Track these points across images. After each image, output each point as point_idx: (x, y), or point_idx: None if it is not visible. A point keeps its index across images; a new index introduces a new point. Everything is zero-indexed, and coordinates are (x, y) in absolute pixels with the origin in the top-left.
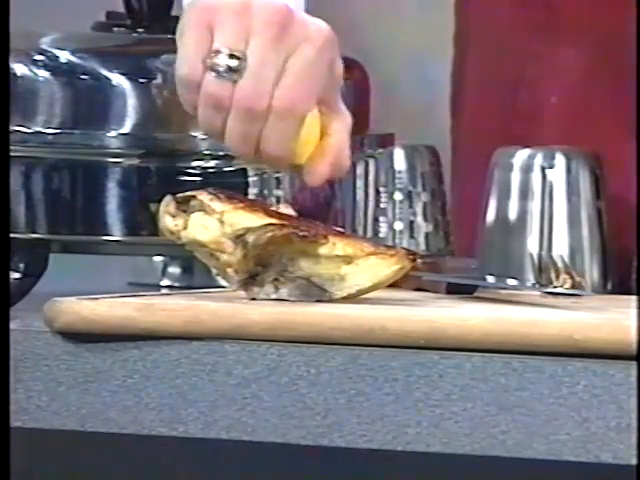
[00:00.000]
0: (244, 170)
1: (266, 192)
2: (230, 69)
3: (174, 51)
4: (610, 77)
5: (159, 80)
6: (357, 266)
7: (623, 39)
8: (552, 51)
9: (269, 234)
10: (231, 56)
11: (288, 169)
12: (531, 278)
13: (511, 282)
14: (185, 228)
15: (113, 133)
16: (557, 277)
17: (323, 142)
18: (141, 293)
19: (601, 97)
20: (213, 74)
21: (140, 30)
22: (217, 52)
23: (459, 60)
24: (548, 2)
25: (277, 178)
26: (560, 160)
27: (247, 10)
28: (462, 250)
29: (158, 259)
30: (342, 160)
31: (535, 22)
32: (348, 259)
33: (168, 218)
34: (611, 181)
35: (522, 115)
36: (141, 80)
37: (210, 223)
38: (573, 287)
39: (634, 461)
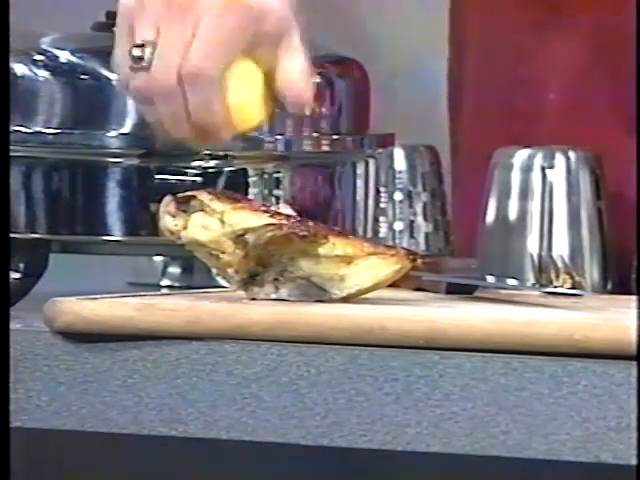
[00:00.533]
0: (244, 170)
1: (266, 192)
2: (141, 58)
3: None
4: (609, 76)
5: None
6: (357, 266)
7: (621, 37)
8: (550, 50)
9: (269, 234)
10: (141, 46)
11: (240, 137)
12: (531, 278)
13: (511, 282)
14: (185, 228)
15: (113, 133)
16: (557, 277)
17: (275, 86)
18: (141, 293)
19: (600, 96)
20: (133, 69)
21: None
22: (132, 47)
23: (455, 61)
24: (546, 1)
25: (277, 178)
26: (560, 160)
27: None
28: (462, 250)
29: (158, 259)
30: (300, 93)
31: (533, 21)
32: (348, 259)
33: (168, 218)
34: (611, 181)
35: (521, 114)
36: None
37: (210, 223)
38: (573, 287)
39: (634, 461)
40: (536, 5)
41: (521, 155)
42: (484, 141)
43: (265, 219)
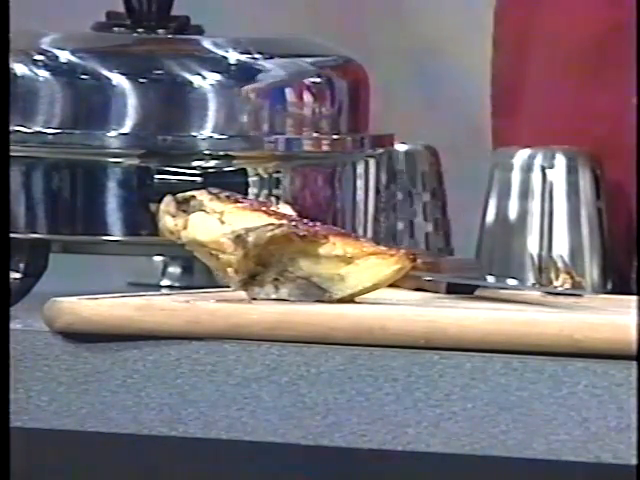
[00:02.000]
0: (244, 170)
1: (266, 192)
2: None
3: (174, 51)
4: (607, 75)
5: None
6: (357, 266)
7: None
8: (629, 52)
9: (269, 234)
10: None
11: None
12: (531, 278)
13: (511, 282)
14: (185, 228)
15: (113, 133)
16: (557, 277)
17: None
18: (141, 293)
19: (598, 95)
20: None
21: (140, 30)
22: None
23: (508, 61)
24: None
25: (277, 178)
26: (560, 160)
27: None
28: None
29: (158, 259)
30: None
31: (612, 22)
32: (348, 259)
33: (168, 218)
34: (611, 181)
35: (600, 117)
36: (141, 80)
37: (210, 223)
38: (573, 287)
39: (634, 461)
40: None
41: (521, 155)
42: (551, 142)
43: (265, 219)
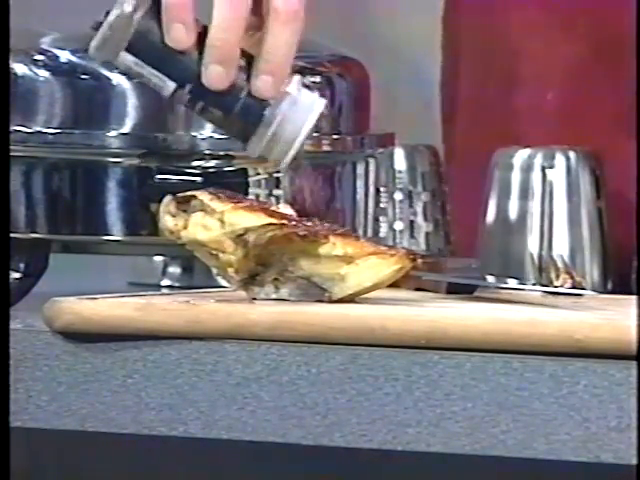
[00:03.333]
0: (244, 170)
1: (266, 192)
2: None
3: None
4: (607, 75)
5: None
6: (357, 266)
7: (620, 36)
8: (547, 50)
9: (269, 234)
10: None
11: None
12: (531, 278)
13: (511, 282)
14: (185, 228)
15: (113, 133)
16: (557, 277)
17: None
18: (141, 293)
19: (598, 96)
20: None
21: None
22: None
23: (450, 66)
24: (542, 1)
25: (277, 178)
26: (560, 160)
27: None
28: (462, 250)
29: (158, 259)
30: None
31: (529, 22)
32: (348, 259)
33: (168, 218)
34: (611, 181)
35: (519, 115)
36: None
37: (210, 223)
38: (573, 287)
39: (634, 461)
40: (531, 6)
41: (521, 155)
42: (482, 142)
43: (265, 219)
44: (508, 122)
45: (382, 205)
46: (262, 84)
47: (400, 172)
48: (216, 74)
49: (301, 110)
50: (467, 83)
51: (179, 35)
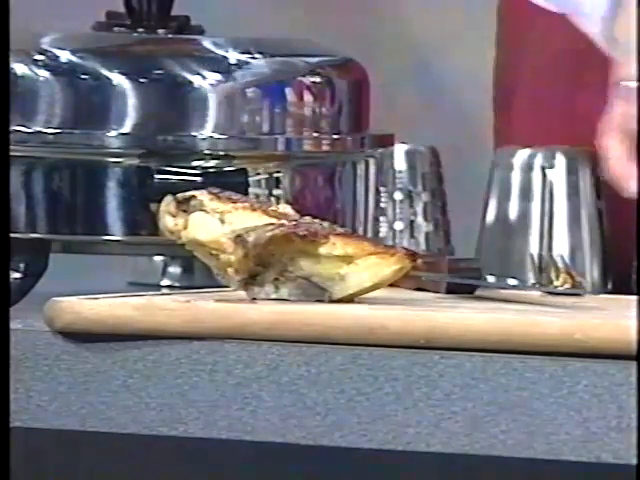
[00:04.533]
0: (244, 170)
1: (266, 192)
2: None
3: (174, 51)
4: None
5: (159, 80)
6: (357, 266)
7: None
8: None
9: (269, 234)
10: None
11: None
12: (531, 278)
13: (511, 282)
14: (185, 228)
15: (113, 133)
16: (557, 277)
17: None
18: (141, 293)
19: None
20: None
21: (140, 30)
22: None
23: (506, 61)
24: None
25: (277, 178)
26: (560, 160)
27: None
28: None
29: (158, 259)
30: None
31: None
32: (348, 259)
33: (168, 218)
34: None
35: (582, 117)
36: (141, 80)
37: (210, 223)
38: (573, 287)
39: (634, 461)
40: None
41: (521, 155)
42: (540, 141)
43: (265, 219)
44: (570, 123)
45: (382, 205)
46: None
47: (400, 172)
48: None
49: None
50: (528, 78)
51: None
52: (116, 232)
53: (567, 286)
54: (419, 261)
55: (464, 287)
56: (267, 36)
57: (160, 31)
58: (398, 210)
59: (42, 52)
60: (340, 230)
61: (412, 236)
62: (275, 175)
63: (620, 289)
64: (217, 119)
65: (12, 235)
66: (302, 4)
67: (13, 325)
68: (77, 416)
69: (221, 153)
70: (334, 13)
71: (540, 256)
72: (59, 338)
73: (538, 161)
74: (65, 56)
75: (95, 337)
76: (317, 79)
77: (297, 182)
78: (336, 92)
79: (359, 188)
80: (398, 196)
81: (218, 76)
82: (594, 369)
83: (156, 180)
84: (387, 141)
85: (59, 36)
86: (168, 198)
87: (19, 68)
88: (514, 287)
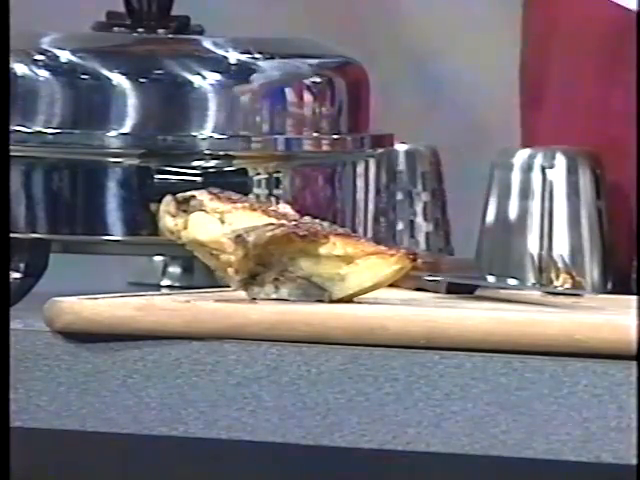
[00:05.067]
0: (244, 170)
1: (266, 192)
2: None
3: (174, 51)
4: None
5: (159, 80)
6: (357, 266)
7: None
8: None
9: (269, 234)
10: None
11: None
12: (531, 278)
13: (511, 282)
14: (185, 228)
15: (113, 133)
16: (557, 277)
17: None
18: (141, 293)
19: None
20: None
21: (140, 30)
22: None
23: (534, 56)
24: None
25: (277, 178)
26: (560, 160)
27: None
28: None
29: (158, 259)
30: None
31: (625, 21)
32: (348, 259)
33: (168, 218)
34: (611, 181)
35: (617, 114)
36: (141, 80)
37: (210, 223)
38: (573, 287)
39: (634, 461)
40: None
41: (521, 155)
42: (571, 137)
43: (265, 219)
44: (600, 121)
45: (382, 205)
46: None
47: (400, 172)
48: None
49: None
50: (558, 74)
51: None
52: (116, 232)
53: (567, 286)
54: (419, 261)
55: (464, 287)
56: (267, 36)
57: (160, 31)
58: (398, 210)
59: (42, 52)
60: (340, 230)
61: (412, 236)
62: (275, 175)
63: (620, 289)
64: (217, 119)
65: (12, 235)
66: (302, 4)
67: (13, 325)
68: (77, 416)
69: (221, 153)
70: (334, 13)
71: (540, 256)
72: (59, 338)
73: (538, 161)
74: (65, 56)
75: (95, 337)
76: (317, 79)
77: (297, 182)
78: (336, 92)
79: (359, 188)
80: (398, 196)
81: (218, 76)
82: (594, 369)
83: (156, 180)
84: (387, 141)
85: (59, 36)
86: (168, 198)
87: (19, 68)
88: (514, 287)
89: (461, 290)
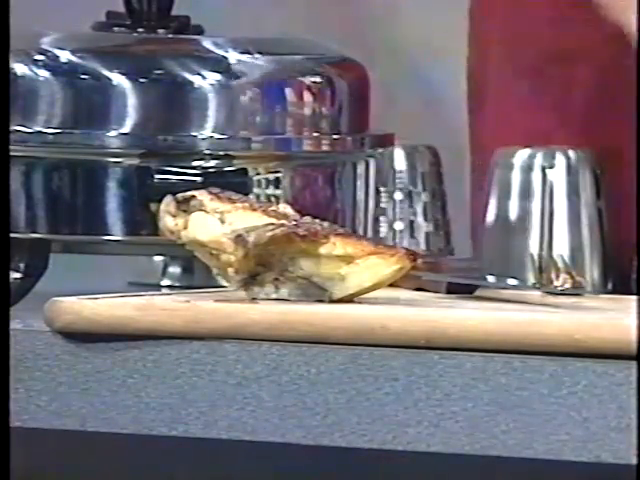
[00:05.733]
0: (244, 170)
1: (266, 192)
2: None
3: (174, 51)
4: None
5: (160, 80)
6: (357, 266)
7: None
8: (578, 44)
9: (269, 234)
10: None
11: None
12: (531, 278)
13: (511, 282)
14: (185, 228)
15: (113, 133)
16: (557, 277)
17: None
18: (141, 293)
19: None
20: None
21: (140, 30)
22: None
23: (477, 60)
24: None
25: (277, 178)
26: (560, 160)
27: None
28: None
29: (158, 259)
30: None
31: (559, 19)
32: (348, 259)
33: (168, 218)
34: (611, 181)
35: (548, 110)
36: (141, 80)
37: (210, 223)
38: (573, 287)
39: (634, 461)
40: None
41: (521, 155)
42: (509, 137)
43: (265, 219)
44: (535, 119)
45: (382, 205)
46: None
47: (400, 172)
48: None
49: None
50: (496, 76)
51: None
52: (116, 232)
53: (567, 286)
54: (419, 261)
55: (464, 287)
56: (267, 36)
57: (160, 31)
58: (398, 210)
59: (42, 52)
60: (340, 230)
61: (412, 236)
62: (275, 175)
63: (620, 289)
64: (217, 119)
65: (12, 235)
66: (302, 4)
67: (13, 325)
68: (77, 416)
69: (221, 153)
70: (334, 13)
71: (540, 256)
72: (59, 338)
73: (538, 161)
74: (65, 56)
75: (95, 337)
76: (317, 79)
77: (297, 182)
78: (336, 92)
79: (359, 188)
80: (398, 196)
81: (218, 76)
82: (594, 369)
83: (156, 180)
84: (387, 141)
85: (59, 36)
86: (168, 198)
87: (19, 68)
88: (514, 287)
89: (461, 290)
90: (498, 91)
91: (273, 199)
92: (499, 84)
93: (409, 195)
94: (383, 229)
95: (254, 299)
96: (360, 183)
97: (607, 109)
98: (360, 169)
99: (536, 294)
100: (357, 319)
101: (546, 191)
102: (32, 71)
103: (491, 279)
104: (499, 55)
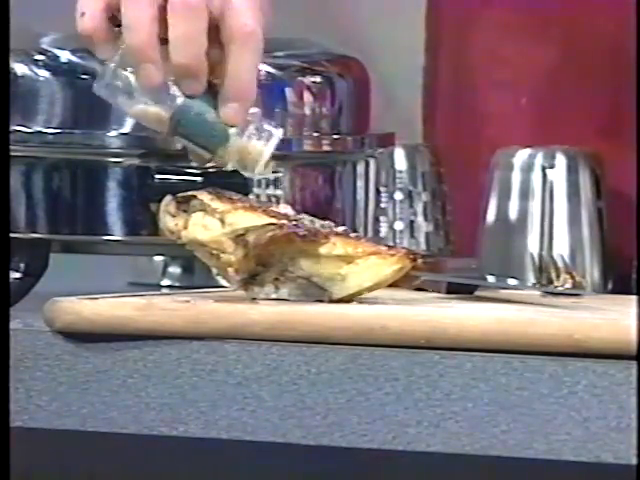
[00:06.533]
0: None
1: (266, 192)
2: None
3: None
4: (581, 76)
5: None
6: (357, 266)
7: (592, 37)
8: (520, 51)
9: (269, 234)
10: None
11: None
12: (531, 278)
13: (511, 282)
14: (185, 228)
15: (113, 133)
16: (557, 277)
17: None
18: (141, 293)
19: (572, 96)
20: None
21: None
22: None
23: (431, 65)
24: (516, 2)
25: (277, 178)
26: (560, 160)
27: None
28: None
29: (158, 259)
30: (244, 91)
31: (503, 23)
32: (348, 259)
33: (168, 218)
34: (611, 181)
35: (493, 117)
36: None
37: (210, 223)
38: (573, 287)
39: (634, 461)
40: (505, 7)
41: (521, 155)
42: (461, 144)
43: (265, 219)
44: (484, 125)
45: (382, 205)
46: (229, 111)
47: (400, 172)
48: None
49: (263, 136)
50: (445, 85)
51: (149, 73)
52: (116, 232)
53: (567, 286)
54: (419, 261)
55: (464, 287)
56: (267, 36)
57: None
58: (398, 210)
59: (42, 52)
60: (340, 230)
61: (412, 236)
62: (275, 175)
63: (620, 289)
64: None
65: (12, 235)
66: (302, 4)
67: (13, 325)
68: (77, 416)
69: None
70: (334, 13)
71: (540, 256)
72: (59, 338)
73: (538, 161)
74: (65, 56)
75: (95, 337)
76: (317, 79)
77: (297, 182)
78: (336, 91)
79: (359, 188)
80: (398, 196)
81: None
82: (594, 369)
83: (156, 180)
84: (387, 141)
85: (59, 36)
86: (168, 198)
87: (19, 68)
88: (514, 287)
89: (461, 290)
90: (447, 97)
91: (273, 199)
92: (449, 90)
93: (409, 195)
94: (383, 229)
95: (254, 299)
96: (360, 183)
97: (563, 111)
98: (360, 169)
99: (536, 294)
100: (357, 319)
101: (546, 191)
102: (32, 71)
103: (491, 279)
104: (449, 62)
